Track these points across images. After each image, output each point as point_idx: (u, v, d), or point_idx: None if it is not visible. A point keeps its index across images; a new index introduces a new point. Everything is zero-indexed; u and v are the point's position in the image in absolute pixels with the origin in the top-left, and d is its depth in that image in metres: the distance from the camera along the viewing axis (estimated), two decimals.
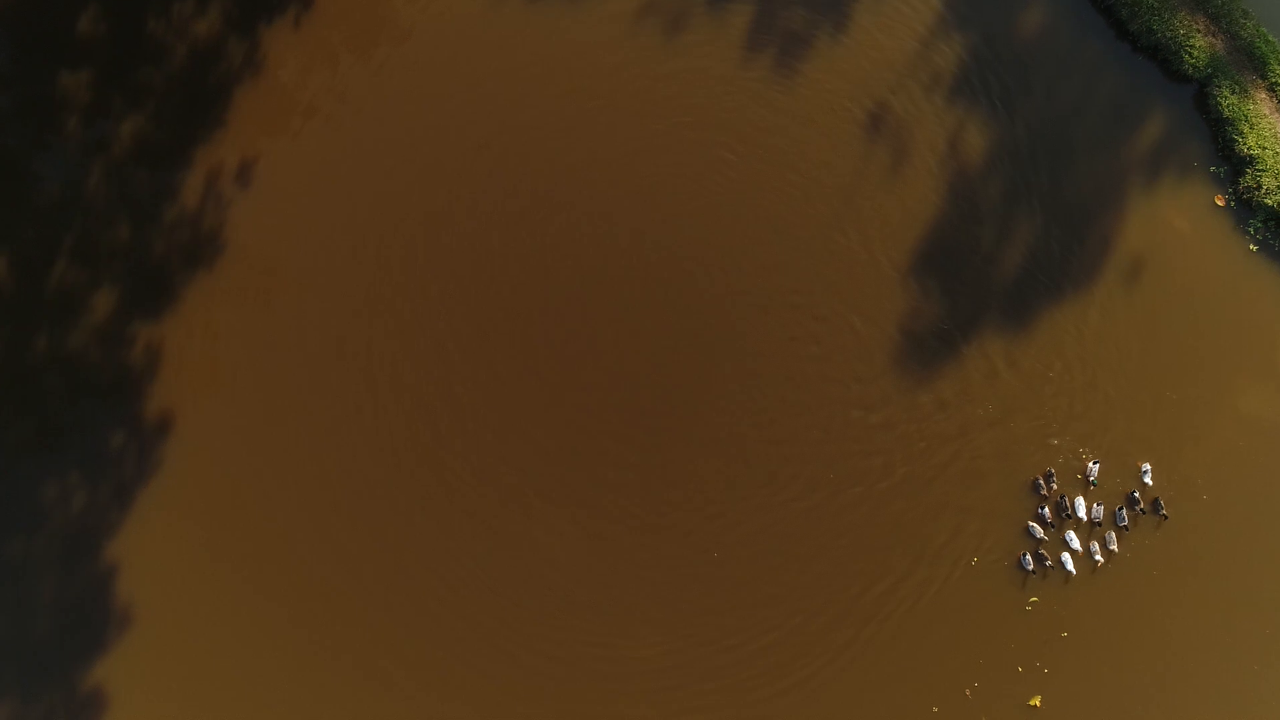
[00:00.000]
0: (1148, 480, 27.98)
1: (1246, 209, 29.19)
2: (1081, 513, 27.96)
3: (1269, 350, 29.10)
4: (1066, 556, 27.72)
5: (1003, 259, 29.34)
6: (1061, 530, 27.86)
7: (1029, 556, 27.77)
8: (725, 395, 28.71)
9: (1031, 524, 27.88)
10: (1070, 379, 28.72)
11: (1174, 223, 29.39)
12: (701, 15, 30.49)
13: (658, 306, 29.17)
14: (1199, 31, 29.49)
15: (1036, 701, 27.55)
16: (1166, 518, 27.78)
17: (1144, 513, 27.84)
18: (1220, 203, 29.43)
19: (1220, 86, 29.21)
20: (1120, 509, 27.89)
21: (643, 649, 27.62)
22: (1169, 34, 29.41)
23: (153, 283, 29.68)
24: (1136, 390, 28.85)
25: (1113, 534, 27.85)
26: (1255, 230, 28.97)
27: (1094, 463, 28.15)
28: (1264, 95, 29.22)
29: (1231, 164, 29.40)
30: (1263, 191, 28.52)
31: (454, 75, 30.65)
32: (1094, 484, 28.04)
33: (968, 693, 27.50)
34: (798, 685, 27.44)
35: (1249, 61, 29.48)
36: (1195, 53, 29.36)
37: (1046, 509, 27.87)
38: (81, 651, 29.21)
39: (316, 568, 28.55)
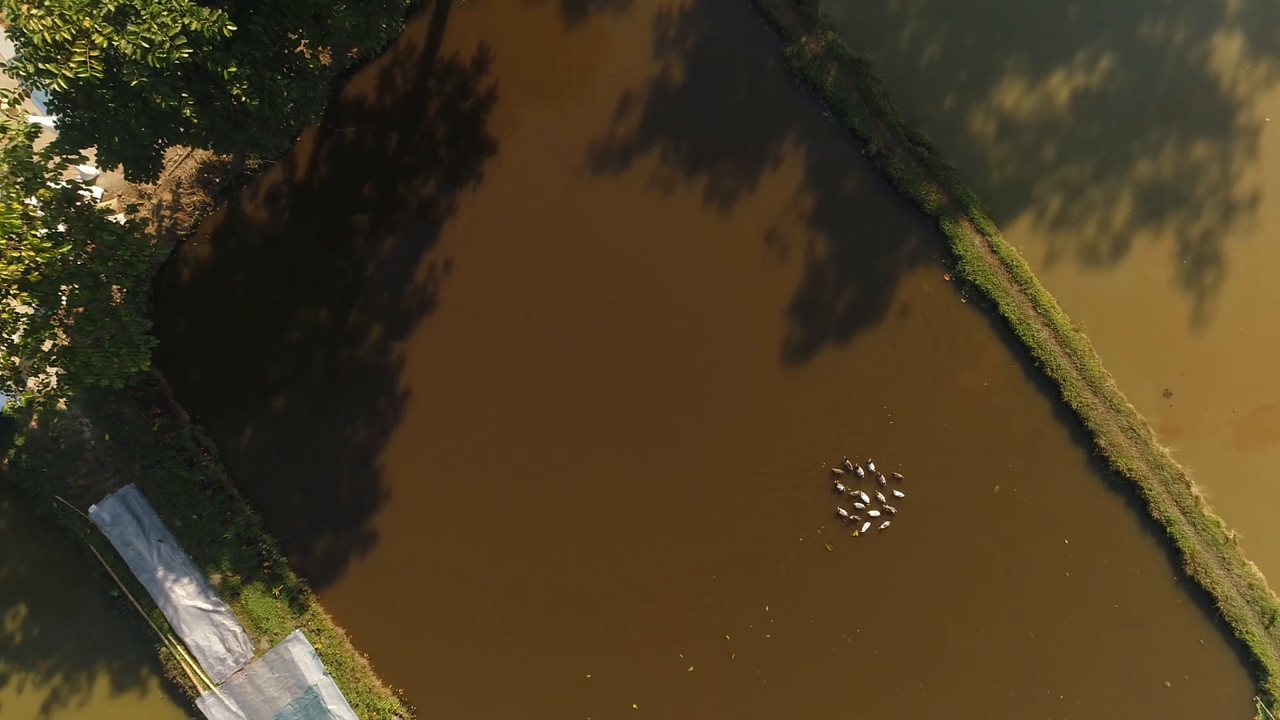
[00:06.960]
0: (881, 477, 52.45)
1: (959, 282, 54.54)
2: (862, 471, 51.80)
3: (974, 354, 54.22)
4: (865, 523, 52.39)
5: (832, 310, 53.31)
6: (858, 498, 52.30)
7: (843, 510, 52.76)
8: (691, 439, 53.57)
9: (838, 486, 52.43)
10: (869, 386, 53.39)
11: (923, 288, 53.79)
12: (681, 183, 54.25)
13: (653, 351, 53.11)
14: (934, 192, 54.62)
15: (828, 547, 53.50)
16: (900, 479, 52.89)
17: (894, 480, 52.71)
18: (947, 278, 54.72)
19: (945, 220, 54.08)
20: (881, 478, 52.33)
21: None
22: (918, 194, 53.87)
23: (401, 321, 49.82)
24: (899, 385, 53.45)
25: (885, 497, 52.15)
26: (964, 292, 54.29)
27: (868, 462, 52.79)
28: (968, 224, 55.11)
29: (951, 259, 54.17)
30: (965, 273, 55.12)
31: (551, 232, 51.89)
32: (872, 471, 52.31)
33: (800, 539, 53.73)
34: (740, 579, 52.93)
35: (960, 206, 54.32)
36: (932, 203, 54.32)
37: (843, 485, 52.34)
38: (363, 514, 50.77)
39: (482, 498, 51.66)
